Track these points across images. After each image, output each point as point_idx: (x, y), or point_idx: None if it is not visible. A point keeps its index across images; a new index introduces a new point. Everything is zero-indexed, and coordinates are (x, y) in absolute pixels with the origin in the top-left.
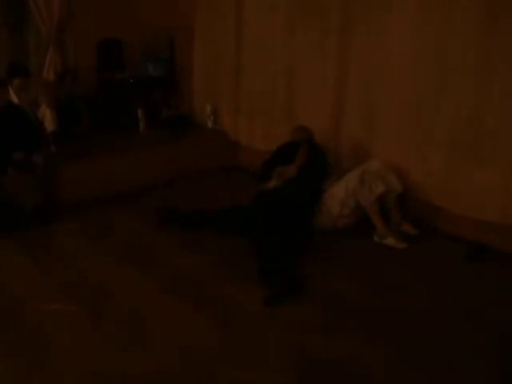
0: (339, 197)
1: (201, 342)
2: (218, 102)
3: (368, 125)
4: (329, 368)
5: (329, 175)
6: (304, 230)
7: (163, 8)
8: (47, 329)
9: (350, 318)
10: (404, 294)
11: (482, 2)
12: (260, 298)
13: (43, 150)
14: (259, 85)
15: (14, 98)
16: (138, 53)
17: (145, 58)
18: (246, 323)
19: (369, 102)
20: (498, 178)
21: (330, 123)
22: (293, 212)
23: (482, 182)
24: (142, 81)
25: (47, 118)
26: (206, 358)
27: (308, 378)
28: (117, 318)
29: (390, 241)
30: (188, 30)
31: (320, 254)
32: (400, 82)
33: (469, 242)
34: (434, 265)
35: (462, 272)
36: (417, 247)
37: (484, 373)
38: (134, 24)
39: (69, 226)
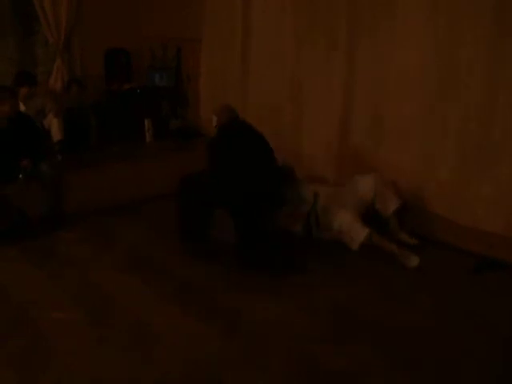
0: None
1: (203, 350)
2: None
3: (375, 137)
4: (331, 378)
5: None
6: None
7: (171, 19)
8: (52, 336)
9: (352, 329)
10: (410, 307)
11: (491, 13)
12: (264, 308)
13: (50, 159)
14: (266, 96)
15: (21, 107)
16: (146, 63)
17: (152, 69)
18: (249, 332)
19: (376, 114)
20: (503, 190)
21: (337, 135)
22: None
23: (487, 193)
24: (149, 91)
25: (54, 127)
26: (209, 366)
27: None
28: (120, 326)
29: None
30: (195, 41)
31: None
32: (407, 94)
33: (479, 257)
34: (439, 277)
35: (468, 284)
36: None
37: None
38: (141, 34)
39: (74, 234)
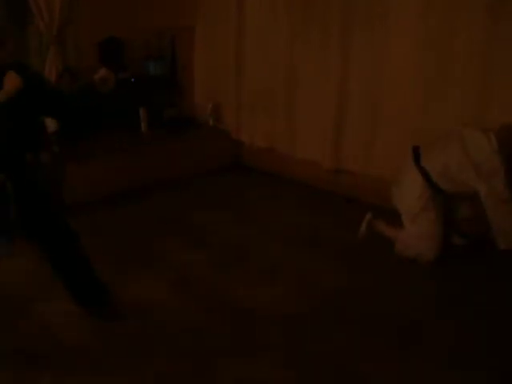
0: None
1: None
2: (220, 100)
3: (371, 125)
4: (329, 369)
5: None
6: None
7: (165, 7)
8: (56, 328)
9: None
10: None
11: (485, 10)
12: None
13: (48, 150)
14: (261, 83)
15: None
16: (140, 52)
17: (146, 58)
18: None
19: (372, 102)
20: None
21: (332, 123)
22: None
23: None
24: (143, 80)
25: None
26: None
27: (309, 375)
28: (124, 320)
29: None
30: (189, 29)
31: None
32: (401, 89)
33: None
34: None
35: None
36: None
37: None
38: (135, 23)
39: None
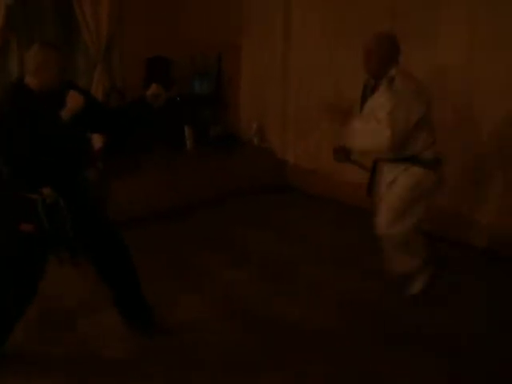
0: None
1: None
2: (265, 119)
3: None
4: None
5: None
6: None
7: (211, 25)
8: (97, 341)
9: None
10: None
11: None
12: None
13: (94, 166)
14: (307, 104)
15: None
16: (186, 70)
17: (192, 76)
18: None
19: None
20: None
21: None
22: None
23: None
24: (189, 98)
25: (95, 134)
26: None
27: None
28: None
29: None
30: (236, 47)
31: None
32: (451, 94)
33: None
34: None
35: None
36: None
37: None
38: (181, 41)
39: None
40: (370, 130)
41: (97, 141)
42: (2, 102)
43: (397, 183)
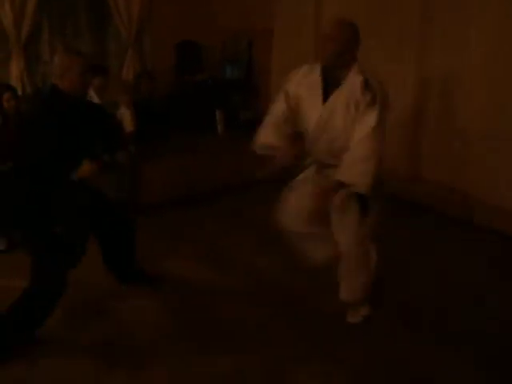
0: None
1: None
2: None
3: (448, 130)
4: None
5: None
6: None
7: (242, 10)
8: (131, 325)
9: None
10: None
11: None
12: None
13: (125, 150)
14: None
15: (95, 98)
16: (217, 55)
17: (223, 60)
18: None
19: (449, 107)
20: None
21: (409, 129)
22: None
23: None
24: (220, 83)
25: (126, 118)
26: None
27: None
28: (197, 317)
29: None
30: (267, 32)
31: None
32: (479, 90)
33: None
34: None
35: None
36: None
37: None
38: (212, 26)
39: (151, 226)
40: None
41: (128, 124)
42: (36, 103)
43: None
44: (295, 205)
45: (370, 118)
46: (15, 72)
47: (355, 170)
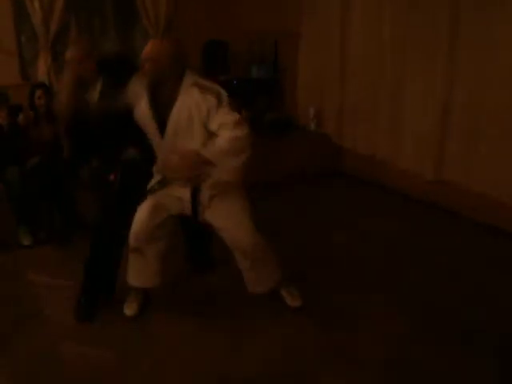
0: None
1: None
2: (322, 105)
3: (474, 140)
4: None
5: None
6: None
7: (269, 12)
8: (149, 319)
9: None
10: None
11: None
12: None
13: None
14: (364, 90)
15: None
16: (243, 55)
17: (249, 61)
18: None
19: (477, 114)
20: None
21: (436, 131)
22: None
23: None
24: (245, 83)
25: None
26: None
27: None
28: (218, 317)
29: None
30: (293, 34)
31: None
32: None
33: None
34: None
35: None
36: None
37: None
38: (239, 26)
39: None
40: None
41: None
42: None
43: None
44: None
45: (228, 116)
46: (42, 69)
47: (223, 160)
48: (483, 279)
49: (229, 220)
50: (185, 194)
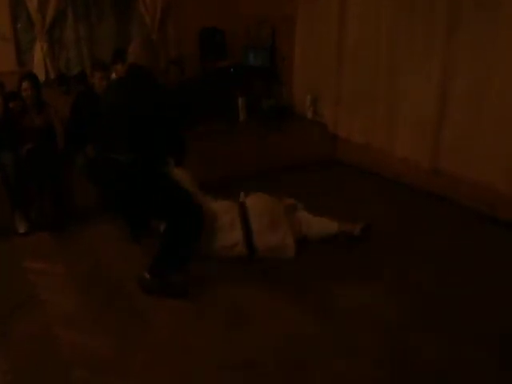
0: None
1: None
2: (319, 93)
3: (473, 124)
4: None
5: None
6: None
7: None
8: (147, 307)
9: None
10: None
11: None
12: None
13: None
14: (361, 78)
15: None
16: (240, 42)
17: (246, 48)
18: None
19: (473, 103)
20: None
21: (432, 120)
22: None
23: None
24: (243, 70)
25: None
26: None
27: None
28: (217, 305)
29: None
30: (290, 19)
31: None
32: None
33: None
34: None
35: None
36: None
37: None
38: (235, 13)
39: None
40: None
41: None
42: None
43: None
44: None
45: None
46: (38, 56)
47: None
48: (482, 267)
49: None
50: None
